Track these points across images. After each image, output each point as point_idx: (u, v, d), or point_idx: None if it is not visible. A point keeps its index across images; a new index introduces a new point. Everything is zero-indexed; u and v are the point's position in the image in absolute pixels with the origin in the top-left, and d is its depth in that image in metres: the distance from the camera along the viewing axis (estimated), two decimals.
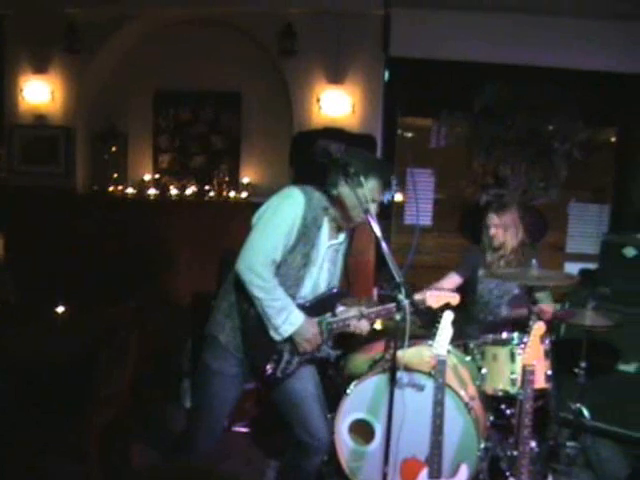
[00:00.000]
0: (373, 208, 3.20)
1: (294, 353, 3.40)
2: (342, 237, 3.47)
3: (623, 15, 6.34)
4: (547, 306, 4.68)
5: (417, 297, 3.48)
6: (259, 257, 3.19)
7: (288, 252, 3.26)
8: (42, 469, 3.95)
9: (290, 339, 3.32)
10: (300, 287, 3.35)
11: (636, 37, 6.40)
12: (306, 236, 3.26)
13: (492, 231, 4.85)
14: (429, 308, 3.50)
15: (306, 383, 3.52)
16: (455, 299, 3.56)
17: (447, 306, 3.57)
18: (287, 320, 3.24)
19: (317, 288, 3.43)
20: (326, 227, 3.36)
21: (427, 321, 4.21)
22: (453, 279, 4.99)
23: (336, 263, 3.50)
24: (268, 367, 3.38)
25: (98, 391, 3.82)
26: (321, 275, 3.41)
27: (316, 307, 3.41)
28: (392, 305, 3.31)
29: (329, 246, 3.39)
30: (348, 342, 4.83)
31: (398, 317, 3.16)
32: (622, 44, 6.38)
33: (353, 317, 3.44)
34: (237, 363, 3.38)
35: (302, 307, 3.35)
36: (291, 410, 3.52)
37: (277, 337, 3.27)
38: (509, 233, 4.85)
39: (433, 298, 3.52)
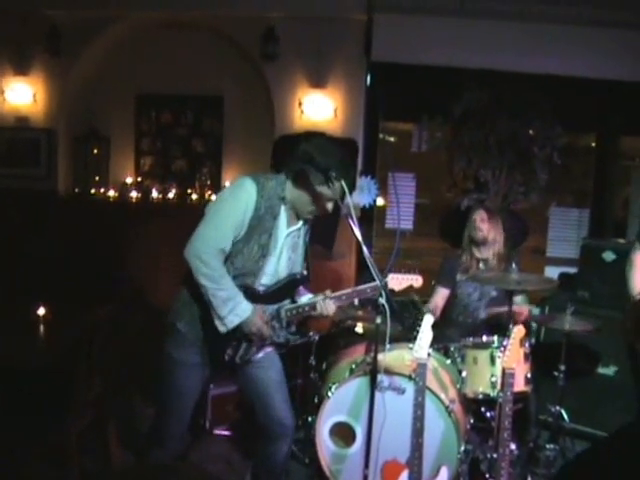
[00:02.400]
0: (330, 206, 3.26)
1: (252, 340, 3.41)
2: (301, 223, 3.45)
3: (604, 22, 6.40)
4: (521, 307, 4.72)
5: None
6: (207, 245, 3.18)
7: (244, 243, 3.25)
8: (21, 472, 3.94)
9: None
10: (259, 277, 3.34)
11: (617, 44, 6.45)
12: (261, 226, 3.26)
13: (478, 223, 4.87)
14: (392, 291, 3.49)
15: (268, 371, 3.53)
16: (418, 281, 3.55)
17: (411, 288, 3.57)
18: (233, 311, 3.21)
19: (277, 275, 3.41)
20: (283, 215, 3.34)
21: (408, 324, 4.25)
22: (442, 293, 5.02)
23: (296, 249, 3.48)
24: (227, 353, 3.38)
25: (78, 393, 3.82)
26: (281, 263, 3.40)
27: (275, 294, 3.41)
28: (362, 287, 3.35)
29: (288, 234, 3.38)
30: (329, 346, 4.87)
31: (379, 321, 3.19)
32: (603, 51, 6.43)
33: (316, 301, 3.43)
34: (197, 351, 3.37)
35: (259, 295, 3.35)
36: (255, 398, 3.55)
37: (222, 328, 3.23)
38: (492, 234, 4.88)
39: (395, 281, 3.52)
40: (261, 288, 3.37)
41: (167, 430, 3.52)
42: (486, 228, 4.88)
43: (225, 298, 3.20)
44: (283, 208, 3.33)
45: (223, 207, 3.26)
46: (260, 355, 3.50)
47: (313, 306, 3.42)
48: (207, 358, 3.41)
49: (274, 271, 3.39)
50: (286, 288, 3.46)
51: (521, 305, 4.81)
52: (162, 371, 3.47)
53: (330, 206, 3.32)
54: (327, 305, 3.41)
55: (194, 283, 3.24)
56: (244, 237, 3.25)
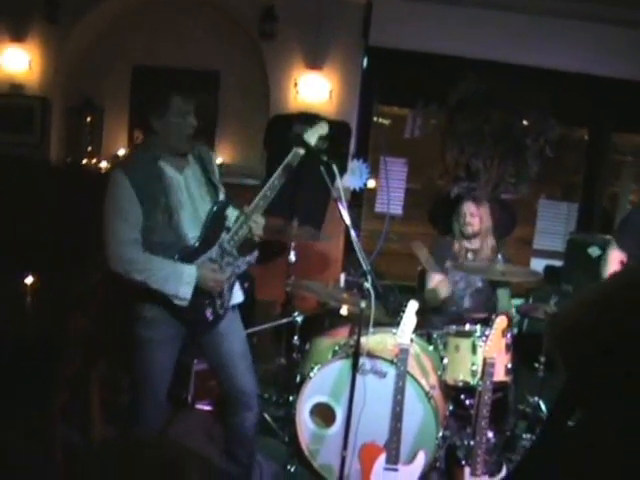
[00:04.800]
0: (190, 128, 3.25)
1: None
2: (190, 159, 3.40)
3: (600, 18, 6.43)
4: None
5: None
6: (119, 247, 3.17)
7: (147, 219, 3.20)
8: (2, 445, 3.95)
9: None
10: (184, 234, 3.29)
11: (612, 40, 6.48)
12: (154, 195, 3.21)
13: (468, 219, 4.87)
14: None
15: (233, 342, 3.55)
16: None
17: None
18: (180, 282, 3.19)
19: (200, 219, 3.34)
20: (168, 169, 3.29)
21: (392, 309, 4.28)
22: (436, 277, 4.99)
23: (202, 184, 3.42)
24: (207, 314, 3.37)
25: (61, 367, 3.83)
26: (197, 207, 3.35)
27: (209, 236, 3.34)
28: (270, 183, 3.32)
29: (183, 179, 3.33)
30: (313, 326, 4.90)
31: (363, 304, 3.22)
32: (598, 47, 6.47)
33: (243, 220, 3.35)
34: (171, 325, 3.35)
35: (197, 247, 3.30)
36: (219, 369, 3.57)
37: (183, 303, 3.22)
38: (483, 225, 4.90)
39: None
40: (194, 241, 3.31)
41: (144, 407, 3.51)
42: (476, 222, 4.87)
43: (165, 277, 3.18)
44: (162, 163, 3.27)
45: (110, 207, 3.21)
46: (227, 322, 3.50)
47: (248, 228, 3.35)
48: (184, 330, 3.40)
49: (194, 219, 3.32)
50: (215, 223, 3.37)
51: (503, 302, 4.83)
52: (135, 351, 3.44)
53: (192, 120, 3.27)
54: (256, 222, 3.37)
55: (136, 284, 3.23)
56: (145, 215, 3.19)
